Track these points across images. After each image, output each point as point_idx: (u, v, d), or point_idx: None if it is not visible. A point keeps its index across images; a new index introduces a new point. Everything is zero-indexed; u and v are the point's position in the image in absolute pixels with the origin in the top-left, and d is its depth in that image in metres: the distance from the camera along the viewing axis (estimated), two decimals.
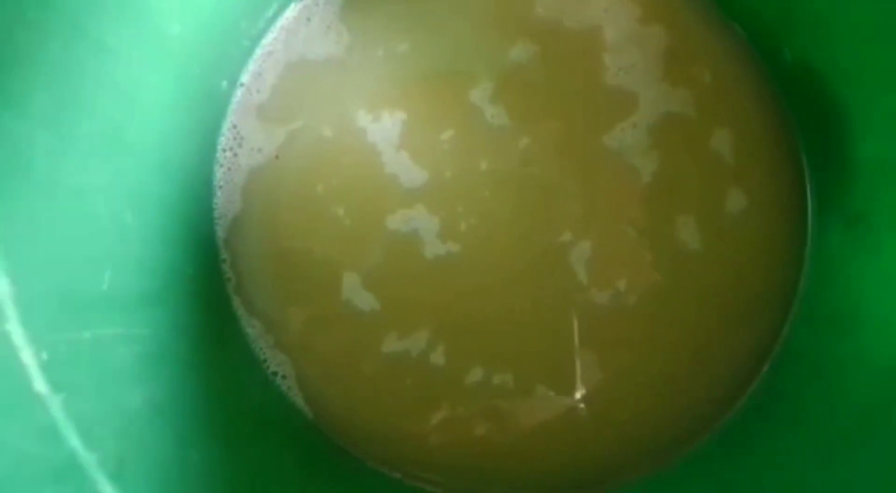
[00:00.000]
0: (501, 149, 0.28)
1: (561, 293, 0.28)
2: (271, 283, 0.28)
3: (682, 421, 0.28)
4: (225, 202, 0.28)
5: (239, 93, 0.28)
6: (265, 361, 0.27)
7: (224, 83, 0.27)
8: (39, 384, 0.15)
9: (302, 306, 0.27)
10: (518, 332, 0.28)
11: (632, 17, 0.29)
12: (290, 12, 0.28)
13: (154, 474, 0.16)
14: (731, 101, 0.29)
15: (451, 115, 0.28)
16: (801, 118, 0.29)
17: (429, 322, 0.27)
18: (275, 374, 0.27)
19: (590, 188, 0.28)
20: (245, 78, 0.28)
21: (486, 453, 0.27)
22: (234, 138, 0.28)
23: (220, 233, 0.28)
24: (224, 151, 0.28)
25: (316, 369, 0.27)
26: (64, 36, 0.18)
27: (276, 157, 0.28)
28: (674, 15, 0.29)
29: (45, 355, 0.15)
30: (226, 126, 0.28)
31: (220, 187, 0.28)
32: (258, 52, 0.28)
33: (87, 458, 0.15)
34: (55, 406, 0.15)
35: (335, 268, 0.27)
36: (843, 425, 0.24)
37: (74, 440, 0.15)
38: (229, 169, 0.28)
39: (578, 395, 0.27)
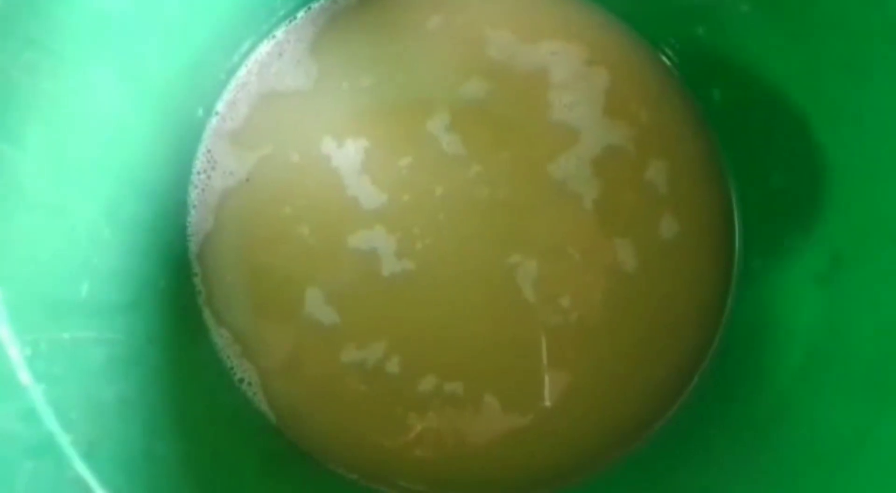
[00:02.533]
0: (455, 175, 0.30)
1: (508, 309, 0.30)
2: (239, 296, 0.30)
3: (619, 428, 0.30)
4: (198, 221, 0.30)
5: (214, 120, 0.30)
6: (232, 368, 0.30)
7: (200, 111, 0.30)
8: (24, 375, 0.17)
9: (267, 318, 0.30)
10: (468, 344, 0.30)
11: (577, 59, 0.32)
12: (264, 47, 0.31)
13: (122, 458, 0.18)
14: (667, 136, 0.32)
15: (409, 143, 0.30)
16: (729, 152, 0.31)
17: (385, 334, 0.30)
18: (241, 380, 0.30)
19: (536, 213, 0.30)
20: (220, 107, 0.30)
21: (438, 456, 0.30)
22: (209, 162, 0.30)
23: (193, 249, 0.30)
24: (199, 173, 0.30)
25: (279, 377, 0.30)
26: (56, 75, 0.21)
27: (247, 179, 0.30)
28: (616, 58, 0.32)
29: (28, 351, 0.17)
30: (201, 150, 0.30)
31: (194, 207, 0.30)
32: (233, 83, 0.30)
33: (63, 439, 0.17)
34: (37, 394, 0.17)
35: (299, 283, 0.30)
36: (762, 421, 0.26)
37: (52, 424, 0.17)
38: (203, 190, 0.30)
39: (523, 403, 0.30)
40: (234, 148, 0.30)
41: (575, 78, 0.31)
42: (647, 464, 0.30)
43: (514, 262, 0.30)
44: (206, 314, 0.30)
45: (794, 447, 0.24)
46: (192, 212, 0.30)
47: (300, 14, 0.31)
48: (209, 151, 0.30)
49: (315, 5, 0.31)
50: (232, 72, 0.30)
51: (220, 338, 0.30)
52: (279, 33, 0.31)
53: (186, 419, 0.23)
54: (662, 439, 0.30)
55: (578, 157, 0.31)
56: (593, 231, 0.30)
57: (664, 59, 0.32)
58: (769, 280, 0.29)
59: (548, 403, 0.30)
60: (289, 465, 0.29)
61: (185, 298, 0.29)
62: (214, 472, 0.23)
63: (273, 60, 0.31)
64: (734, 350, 0.30)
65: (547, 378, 0.30)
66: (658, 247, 0.31)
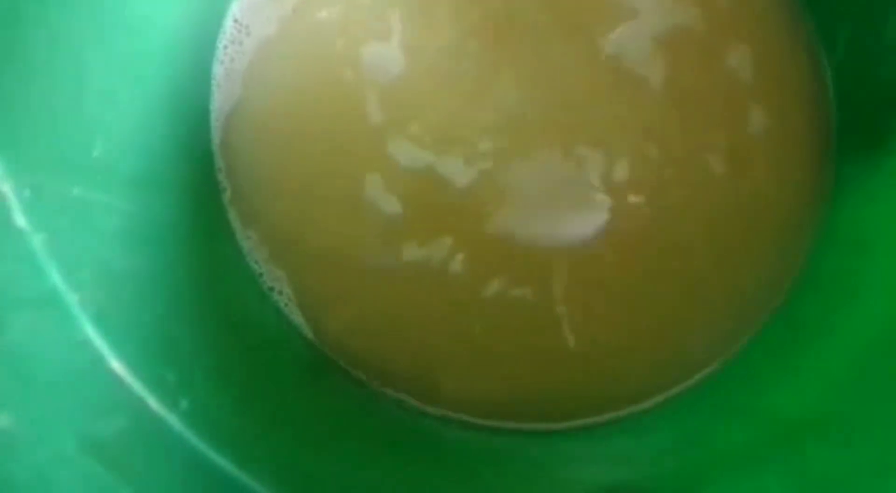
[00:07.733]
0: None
1: (579, 207, 0.26)
2: (270, 185, 0.26)
3: (697, 344, 0.27)
4: (222, 99, 0.26)
5: None
6: (261, 275, 0.26)
7: None
8: (19, 219, 0.13)
9: (307, 212, 0.26)
10: (539, 246, 0.26)
11: None
12: None
13: (138, 332, 0.14)
14: (750, 13, 0.28)
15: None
16: (825, 34, 0.27)
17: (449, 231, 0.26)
18: (271, 289, 0.26)
19: (597, 99, 0.27)
20: None
21: (499, 376, 0.26)
22: (238, 31, 0.26)
23: (216, 138, 0.26)
24: (225, 47, 0.26)
25: (317, 284, 0.26)
26: None
27: (278, 37, 0.26)
28: None
29: (27, 193, 0.14)
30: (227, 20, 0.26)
31: (219, 86, 0.26)
32: None
33: (69, 297, 0.13)
34: (36, 243, 0.13)
35: (354, 172, 0.26)
36: (858, 351, 0.23)
37: (56, 278, 0.13)
38: (233, 59, 0.26)
39: (600, 317, 0.26)
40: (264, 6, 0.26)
41: None
42: (718, 388, 0.26)
43: (582, 155, 0.26)
44: (232, 215, 0.26)
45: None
46: (216, 92, 0.26)
47: None
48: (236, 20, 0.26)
49: None
50: None
51: (248, 240, 0.26)
52: None
53: (209, 316, 0.20)
54: (741, 360, 0.27)
55: (639, 32, 0.27)
56: (667, 122, 0.26)
57: None
58: (870, 182, 0.26)
59: (624, 315, 0.26)
60: (326, 384, 0.25)
61: (207, 194, 0.25)
62: (241, 370, 0.20)
63: None
64: (829, 268, 0.27)
65: (622, 285, 0.26)
66: (745, 143, 0.27)
